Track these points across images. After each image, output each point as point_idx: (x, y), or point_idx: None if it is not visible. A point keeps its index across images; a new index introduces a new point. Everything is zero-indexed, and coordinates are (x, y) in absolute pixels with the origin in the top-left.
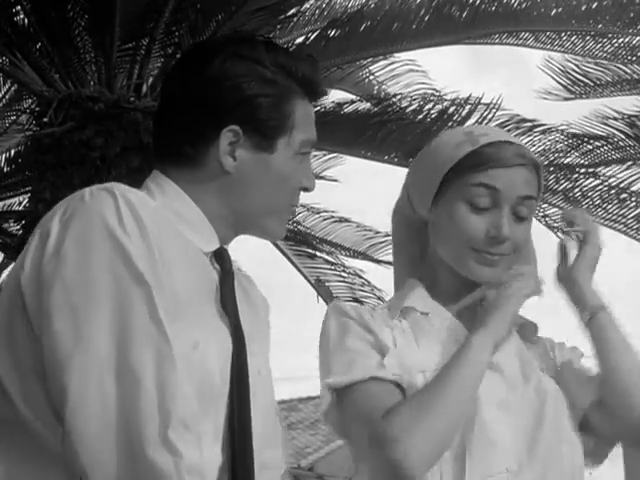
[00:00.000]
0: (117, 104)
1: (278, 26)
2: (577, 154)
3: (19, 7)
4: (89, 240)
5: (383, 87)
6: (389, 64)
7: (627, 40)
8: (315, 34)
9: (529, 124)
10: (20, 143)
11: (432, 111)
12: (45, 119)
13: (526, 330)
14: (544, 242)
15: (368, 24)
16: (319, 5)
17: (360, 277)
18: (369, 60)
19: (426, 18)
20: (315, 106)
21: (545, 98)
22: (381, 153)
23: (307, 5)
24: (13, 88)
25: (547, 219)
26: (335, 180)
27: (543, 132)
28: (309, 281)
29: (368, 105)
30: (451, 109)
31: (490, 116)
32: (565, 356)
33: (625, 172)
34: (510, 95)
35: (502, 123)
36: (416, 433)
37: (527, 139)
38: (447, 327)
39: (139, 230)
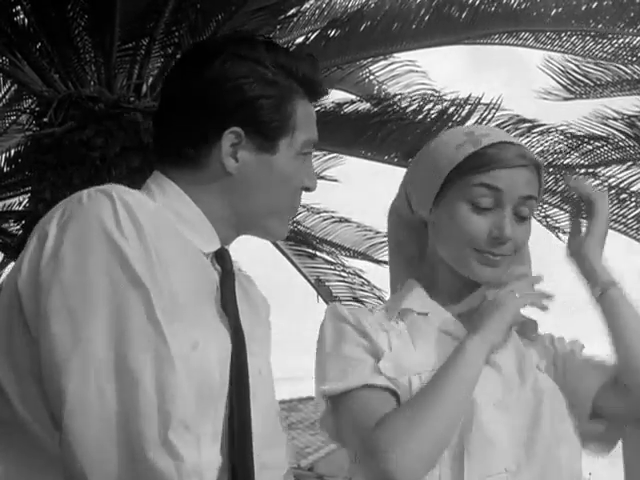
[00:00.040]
0: (117, 104)
1: (278, 26)
2: (577, 154)
3: (19, 7)
4: (87, 243)
5: (383, 87)
6: (389, 64)
7: (627, 40)
8: (315, 34)
9: (529, 124)
10: (20, 143)
11: (432, 111)
12: (45, 119)
13: (526, 328)
14: (544, 242)
15: (368, 24)
16: (319, 5)
17: (360, 277)
18: (369, 60)
19: (426, 18)
20: (315, 106)
21: (545, 98)
22: (381, 153)
23: (307, 5)
24: (13, 88)
25: (548, 219)
26: (335, 180)
27: (543, 132)
28: (309, 281)
29: (368, 105)
30: (451, 109)
31: (490, 116)
32: (566, 347)
33: (625, 172)
34: (510, 95)
35: (502, 123)
36: (407, 444)
37: (526, 139)
38: (447, 327)
39: (136, 233)
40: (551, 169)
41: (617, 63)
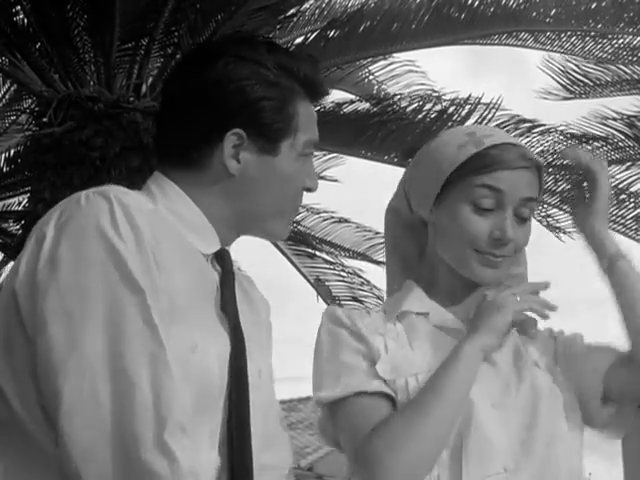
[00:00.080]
0: (117, 104)
1: (278, 26)
2: None
3: (19, 7)
4: (84, 245)
5: (383, 87)
6: (389, 64)
7: (627, 40)
8: (315, 34)
9: (528, 124)
10: (20, 143)
11: (432, 111)
12: (45, 119)
13: (526, 326)
14: (544, 242)
15: (368, 24)
16: (319, 5)
17: (359, 276)
18: (369, 60)
19: (425, 18)
20: (315, 106)
21: (545, 98)
22: (381, 153)
23: (307, 5)
24: (13, 88)
25: (549, 219)
26: (335, 180)
27: (543, 132)
28: (309, 281)
29: (368, 105)
30: (451, 109)
31: (489, 116)
32: (567, 336)
33: (624, 173)
34: (509, 95)
35: (501, 123)
36: (404, 448)
37: (526, 139)
38: (446, 327)
39: (134, 235)
40: (551, 169)
41: (617, 63)
